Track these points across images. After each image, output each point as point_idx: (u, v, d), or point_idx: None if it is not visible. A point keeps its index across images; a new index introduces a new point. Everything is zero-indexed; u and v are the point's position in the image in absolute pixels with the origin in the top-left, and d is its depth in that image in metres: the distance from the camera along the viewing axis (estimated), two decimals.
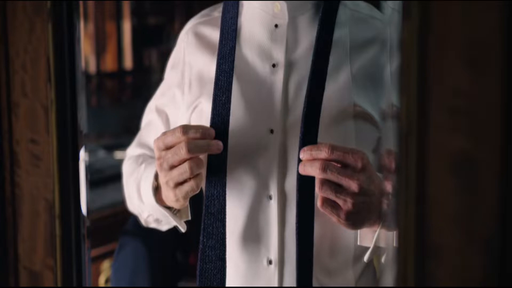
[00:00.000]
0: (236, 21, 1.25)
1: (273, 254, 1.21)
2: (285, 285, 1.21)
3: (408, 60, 0.61)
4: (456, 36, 0.59)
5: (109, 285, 2.76)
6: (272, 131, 1.19)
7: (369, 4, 1.29)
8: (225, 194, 1.17)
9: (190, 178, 1.13)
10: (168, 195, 1.18)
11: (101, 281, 2.79)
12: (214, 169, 1.17)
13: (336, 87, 1.19)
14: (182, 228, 1.28)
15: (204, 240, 1.18)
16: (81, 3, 0.82)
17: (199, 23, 1.32)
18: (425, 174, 0.61)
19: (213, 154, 1.16)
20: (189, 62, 1.30)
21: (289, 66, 1.21)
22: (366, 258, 1.18)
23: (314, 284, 1.17)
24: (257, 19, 1.25)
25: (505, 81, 0.57)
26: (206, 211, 1.18)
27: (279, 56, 1.21)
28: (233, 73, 1.20)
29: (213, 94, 1.19)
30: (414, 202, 0.61)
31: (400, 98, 0.62)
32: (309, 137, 1.14)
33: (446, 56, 0.59)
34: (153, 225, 1.37)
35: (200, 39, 1.31)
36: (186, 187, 1.13)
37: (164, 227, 1.37)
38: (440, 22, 0.59)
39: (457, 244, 0.60)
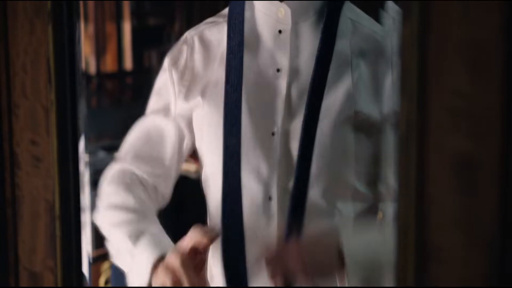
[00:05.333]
0: (243, 20, 1.26)
1: None
2: None
3: (408, 60, 0.61)
4: (456, 36, 0.59)
5: (109, 285, 2.76)
6: (273, 134, 1.21)
7: (370, 17, 1.30)
8: (241, 208, 1.21)
9: None
10: None
11: (101, 282, 2.79)
12: (230, 187, 1.22)
13: (337, 96, 1.21)
14: None
15: (225, 246, 1.23)
16: (81, 3, 0.82)
17: (204, 28, 1.33)
18: (425, 174, 0.61)
19: (228, 174, 1.21)
20: (192, 66, 1.30)
21: (293, 72, 1.23)
22: None
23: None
24: (261, 23, 1.26)
25: (505, 82, 0.57)
26: (224, 225, 1.23)
27: (283, 61, 1.23)
28: (241, 86, 1.23)
29: (224, 109, 1.23)
30: (414, 202, 0.61)
31: (400, 98, 0.62)
32: (308, 142, 1.18)
33: (446, 56, 0.59)
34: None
35: (204, 43, 1.31)
36: None
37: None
38: (440, 22, 0.59)
39: (457, 244, 0.60)
